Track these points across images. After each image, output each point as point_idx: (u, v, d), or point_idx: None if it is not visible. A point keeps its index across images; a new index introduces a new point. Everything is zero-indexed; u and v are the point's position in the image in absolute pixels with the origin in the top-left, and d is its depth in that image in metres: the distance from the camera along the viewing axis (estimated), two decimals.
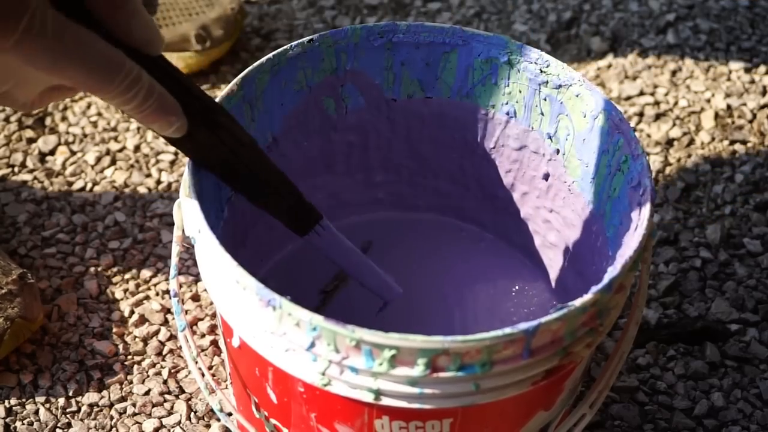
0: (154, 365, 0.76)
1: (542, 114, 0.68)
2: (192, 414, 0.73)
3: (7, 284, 0.74)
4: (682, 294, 0.82)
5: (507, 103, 0.70)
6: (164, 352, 0.77)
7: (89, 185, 0.88)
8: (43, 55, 0.48)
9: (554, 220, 0.72)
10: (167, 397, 0.74)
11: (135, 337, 0.77)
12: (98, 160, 0.90)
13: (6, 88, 0.51)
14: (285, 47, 0.66)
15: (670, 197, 0.89)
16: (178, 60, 0.96)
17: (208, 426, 0.72)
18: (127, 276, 0.81)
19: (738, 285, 0.82)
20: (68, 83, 0.50)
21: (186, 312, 0.79)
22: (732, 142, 0.94)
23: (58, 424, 0.72)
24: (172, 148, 0.91)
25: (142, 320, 0.78)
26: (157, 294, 0.80)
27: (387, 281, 0.68)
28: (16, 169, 0.89)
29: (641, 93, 0.99)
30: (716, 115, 0.96)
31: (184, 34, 0.96)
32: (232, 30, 0.98)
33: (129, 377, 0.75)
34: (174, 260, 0.63)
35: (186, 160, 0.90)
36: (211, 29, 0.97)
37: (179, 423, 0.72)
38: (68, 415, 0.73)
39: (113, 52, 0.50)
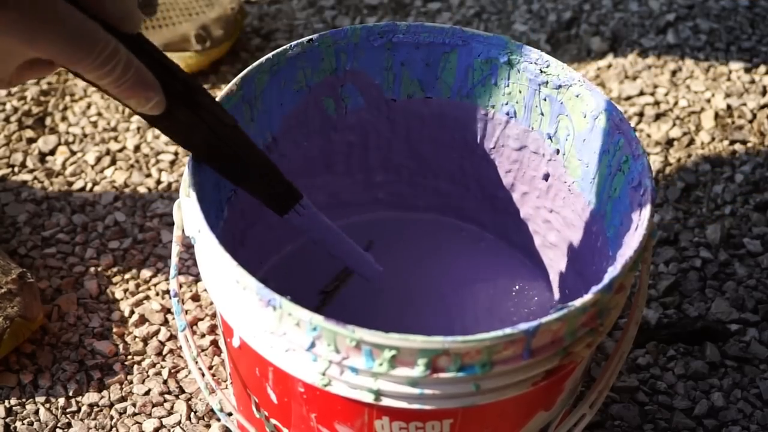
0: (154, 365, 0.76)
1: (542, 114, 0.68)
2: (192, 414, 0.73)
3: (7, 283, 0.74)
4: (682, 294, 0.82)
5: (507, 103, 0.70)
6: (164, 352, 0.77)
7: (89, 185, 0.88)
8: (20, 25, 0.47)
9: (554, 220, 0.72)
10: (167, 397, 0.74)
11: (135, 337, 0.77)
12: (98, 160, 0.90)
13: None
14: (285, 47, 0.66)
15: (670, 197, 0.89)
16: (178, 60, 0.96)
17: (208, 426, 0.72)
18: (127, 276, 0.81)
19: (738, 285, 0.82)
20: (45, 56, 0.50)
21: (186, 312, 0.79)
22: (732, 142, 0.94)
23: (58, 424, 0.72)
24: (172, 148, 0.91)
25: (142, 320, 0.78)
26: (157, 294, 0.80)
27: (368, 260, 0.69)
28: (16, 169, 0.89)
29: (641, 93, 0.99)
30: (716, 115, 0.96)
31: (184, 34, 0.96)
32: (232, 30, 0.98)
33: (129, 377, 0.75)
34: (174, 260, 0.63)
35: (186, 160, 0.91)
36: (211, 29, 0.97)
37: (179, 423, 0.72)
38: (68, 415, 0.73)
39: (90, 25, 0.50)
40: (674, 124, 0.95)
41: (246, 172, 0.61)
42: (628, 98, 0.98)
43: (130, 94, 0.53)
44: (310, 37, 0.67)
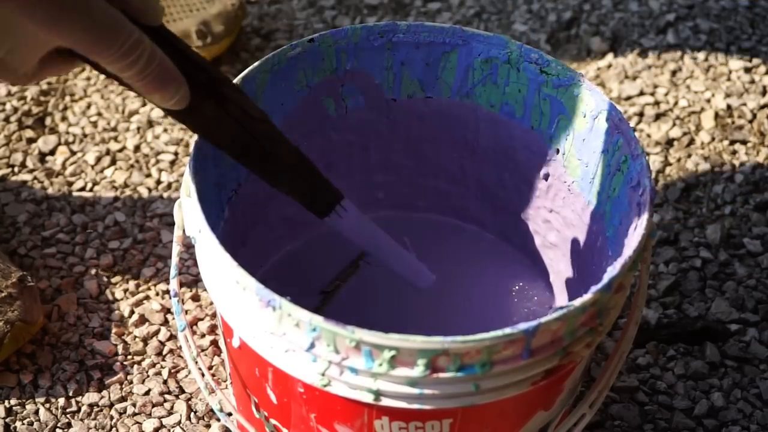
0: (154, 365, 0.76)
1: (542, 114, 0.68)
2: (192, 414, 0.73)
3: (7, 287, 0.74)
4: (682, 294, 0.82)
5: (507, 103, 0.70)
6: (164, 352, 0.77)
7: (89, 185, 0.88)
8: (44, 10, 0.47)
9: (554, 220, 0.72)
10: (167, 397, 0.74)
11: (135, 337, 0.77)
12: (98, 160, 0.90)
13: (2, 54, 0.50)
14: (285, 47, 0.66)
15: (670, 197, 0.89)
16: None
17: (208, 426, 0.72)
18: (127, 276, 0.81)
19: (738, 285, 0.82)
20: (68, 44, 0.49)
21: (186, 312, 0.79)
22: (732, 142, 0.94)
23: (58, 424, 0.72)
24: (172, 148, 0.91)
25: (142, 320, 0.78)
26: (157, 294, 0.80)
27: (418, 266, 0.65)
28: (16, 169, 0.89)
29: (641, 93, 0.99)
30: (716, 115, 0.96)
31: (185, 29, 0.96)
32: (232, 26, 0.98)
33: (129, 377, 0.75)
34: (174, 260, 0.63)
35: (186, 159, 0.91)
36: (211, 25, 0.97)
37: (179, 423, 0.72)
38: (68, 415, 0.73)
39: (115, 13, 0.49)
40: (674, 124, 0.95)
41: (279, 169, 0.58)
42: (628, 98, 0.98)
43: (154, 88, 0.52)
44: (310, 36, 0.67)
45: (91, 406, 0.73)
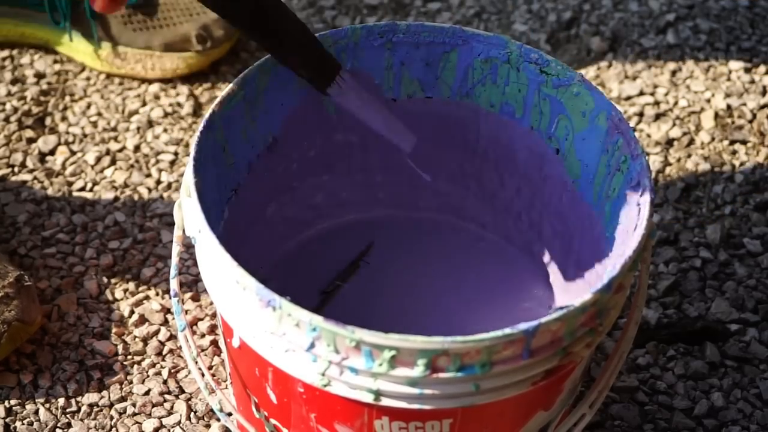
0: (154, 365, 0.76)
1: (542, 113, 0.68)
2: (192, 414, 0.73)
3: (4, 287, 0.74)
4: (682, 294, 0.82)
5: (507, 103, 0.70)
6: (164, 352, 0.77)
7: (89, 185, 0.88)
8: None
9: (554, 220, 0.72)
10: (167, 397, 0.74)
11: (135, 337, 0.77)
12: (98, 160, 0.90)
13: None
14: None
15: (670, 197, 0.89)
16: (179, 60, 0.96)
17: (208, 426, 0.72)
18: (127, 276, 0.81)
19: (738, 285, 0.82)
20: None
21: (186, 312, 0.79)
22: (732, 142, 0.94)
23: (58, 424, 0.72)
24: (172, 148, 0.91)
25: (142, 320, 0.78)
26: (157, 294, 0.80)
27: (403, 130, 0.70)
28: (16, 169, 0.89)
29: (641, 93, 0.99)
30: (716, 115, 0.96)
31: (185, 34, 0.96)
32: (232, 30, 0.98)
33: (129, 377, 0.75)
34: (174, 260, 0.63)
35: (186, 159, 0.91)
36: (211, 29, 0.97)
37: (179, 423, 0.72)
38: (68, 415, 0.73)
39: None
40: (674, 124, 0.95)
41: (286, 43, 0.63)
42: (628, 98, 0.98)
43: None
44: None
45: (91, 406, 0.73)
